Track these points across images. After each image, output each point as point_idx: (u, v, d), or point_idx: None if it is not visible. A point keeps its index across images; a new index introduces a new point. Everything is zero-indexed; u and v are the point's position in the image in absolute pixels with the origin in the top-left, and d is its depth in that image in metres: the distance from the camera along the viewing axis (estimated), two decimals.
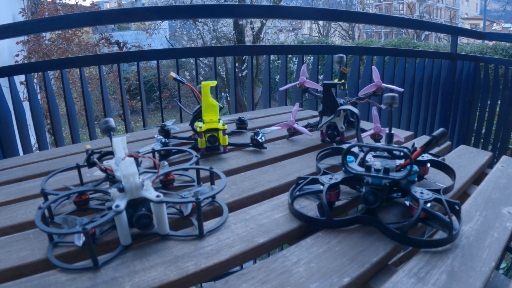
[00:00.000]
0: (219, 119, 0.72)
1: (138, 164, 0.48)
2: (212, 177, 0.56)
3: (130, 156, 0.43)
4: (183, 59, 4.74)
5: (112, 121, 0.53)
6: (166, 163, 0.63)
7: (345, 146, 0.57)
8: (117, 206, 0.38)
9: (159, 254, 0.40)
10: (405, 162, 0.50)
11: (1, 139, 1.32)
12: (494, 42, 5.71)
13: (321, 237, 0.46)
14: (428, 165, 0.58)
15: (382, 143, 0.57)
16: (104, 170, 0.47)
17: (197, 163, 0.58)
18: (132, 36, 7.38)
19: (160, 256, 0.39)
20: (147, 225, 0.41)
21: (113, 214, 0.37)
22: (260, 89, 6.18)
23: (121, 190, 0.40)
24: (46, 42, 4.07)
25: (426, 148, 0.50)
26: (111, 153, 0.53)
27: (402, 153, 0.51)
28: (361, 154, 0.55)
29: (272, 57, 1.97)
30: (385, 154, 0.54)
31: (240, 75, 6.81)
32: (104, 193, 0.47)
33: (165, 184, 0.56)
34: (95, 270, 0.36)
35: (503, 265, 1.84)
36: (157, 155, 0.69)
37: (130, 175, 0.40)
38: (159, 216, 0.41)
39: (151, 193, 0.41)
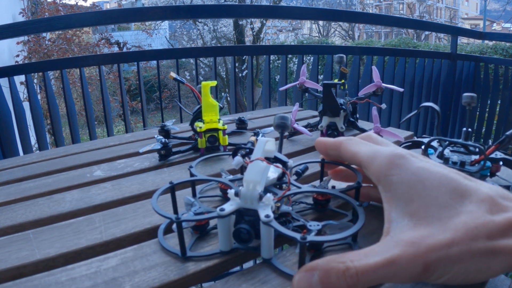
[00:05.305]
0: (219, 119, 0.72)
1: (281, 178, 0.42)
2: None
3: (262, 161, 0.37)
4: (183, 59, 4.75)
5: (289, 120, 0.50)
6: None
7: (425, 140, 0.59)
8: (221, 209, 0.35)
9: (159, 254, 0.40)
10: (479, 158, 0.51)
11: (1, 139, 1.32)
12: (494, 42, 5.72)
13: None
14: (501, 163, 0.60)
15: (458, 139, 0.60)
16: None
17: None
18: (132, 36, 7.40)
19: (160, 256, 0.39)
20: (246, 241, 0.37)
21: (215, 215, 0.35)
22: (260, 89, 6.18)
23: (237, 194, 0.36)
24: (46, 42, 4.09)
25: (499, 146, 0.52)
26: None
27: (477, 149, 0.54)
28: (440, 148, 0.57)
29: (272, 57, 1.98)
30: (462, 149, 0.56)
31: (240, 75, 6.82)
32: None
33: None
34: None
35: None
36: (157, 155, 0.69)
37: (251, 182, 0.35)
38: (263, 238, 0.36)
39: (264, 210, 0.35)
